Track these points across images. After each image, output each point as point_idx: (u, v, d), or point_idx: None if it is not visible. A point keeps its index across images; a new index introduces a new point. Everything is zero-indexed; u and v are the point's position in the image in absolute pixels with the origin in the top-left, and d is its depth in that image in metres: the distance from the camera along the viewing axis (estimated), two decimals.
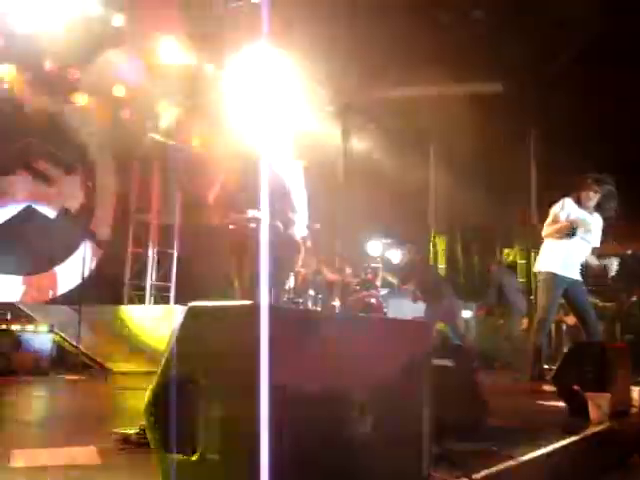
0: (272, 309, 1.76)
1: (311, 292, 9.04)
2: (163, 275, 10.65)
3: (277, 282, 3.81)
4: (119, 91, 9.16)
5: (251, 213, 3.74)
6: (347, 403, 2.00)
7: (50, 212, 9.37)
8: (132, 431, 2.93)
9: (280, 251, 3.76)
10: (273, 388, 1.72)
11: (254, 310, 1.74)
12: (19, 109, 8.41)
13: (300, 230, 3.97)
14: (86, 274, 8.04)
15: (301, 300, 8.62)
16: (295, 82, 7.18)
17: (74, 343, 6.71)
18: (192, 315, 1.90)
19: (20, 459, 2.48)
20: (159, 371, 1.99)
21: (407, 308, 10.06)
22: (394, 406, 2.22)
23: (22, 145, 8.86)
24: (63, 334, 6.77)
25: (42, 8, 7.36)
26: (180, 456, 1.91)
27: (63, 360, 6.59)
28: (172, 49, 8.97)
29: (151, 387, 1.98)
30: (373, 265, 10.01)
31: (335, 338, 1.97)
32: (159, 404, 1.95)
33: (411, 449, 2.30)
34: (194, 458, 1.87)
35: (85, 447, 2.74)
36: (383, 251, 10.43)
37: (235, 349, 1.82)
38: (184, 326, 1.90)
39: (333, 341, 1.95)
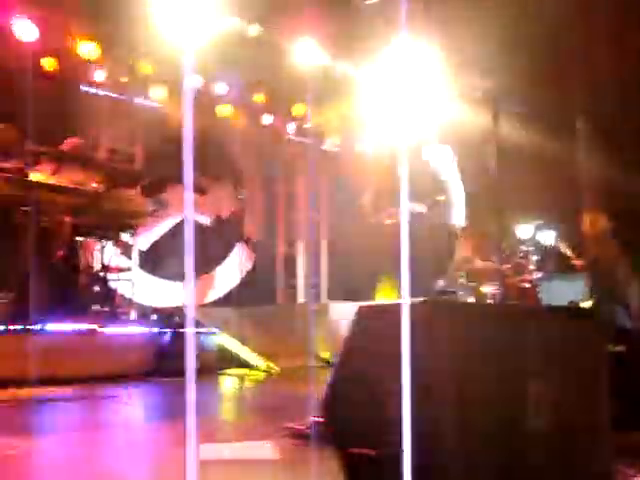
0: (450, 306, 1.76)
1: (462, 280, 8.89)
2: (314, 273, 10.93)
3: (435, 273, 3.79)
4: (259, 98, 9.51)
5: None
6: (522, 400, 1.96)
7: (205, 220, 9.93)
8: (304, 426, 3.04)
9: (436, 242, 3.73)
10: (444, 386, 1.72)
11: (426, 307, 1.75)
12: (172, 127, 8.97)
13: (458, 219, 3.90)
14: (242, 276, 8.45)
15: (454, 289, 8.49)
16: (440, 69, 7.05)
17: (238, 342, 7.05)
18: (362, 315, 1.95)
19: (207, 453, 2.66)
20: (333, 369, 2.05)
21: (562, 291, 9.60)
22: (571, 401, 2.14)
23: (177, 161, 9.46)
24: (227, 334, 7.12)
25: (182, 27, 7.78)
26: (358, 452, 1.95)
27: (228, 359, 6.93)
28: (310, 50, 9.17)
29: (326, 384, 2.05)
30: (525, 249, 9.67)
31: (510, 333, 1.94)
32: (334, 401, 2.02)
33: (593, 444, 2.21)
34: (372, 454, 1.91)
35: (263, 442, 2.87)
36: (534, 234, 10.04)
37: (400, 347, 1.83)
38: (355, 326, 1.95)
39: (507, 336, 1.92)
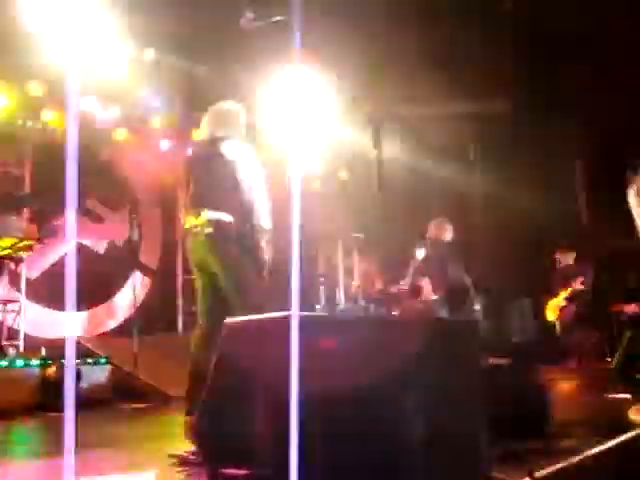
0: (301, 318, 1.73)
1: (362, 302, 9.00)
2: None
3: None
4: (156, 122, 9.34)
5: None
6: (396, 405, 1.96)
7: (100, 247, 9.61)
8: (187, 452, 2.94)
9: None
10: (307, 398, 1.69)
11: (284, 322, 1.72)
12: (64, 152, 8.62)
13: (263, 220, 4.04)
14: (138, 304, 8.19)
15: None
16: (329, 95, 7.18)
17: (132, 372, 6.81)
18: (229, 331, 1.90)
19: None
20: (205, 387, 1.99)
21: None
22: (446, 406, 2.17)
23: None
24: (120, 364, 6.87)
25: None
26: (231, 470, 1.90)
27: (122, 390, 6.68)
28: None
29: (197, 405, 1.99)
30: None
31: (375, 341, 1.94)
32: (206, 420, 1.95)
33: (468, 449, 2.24)
34: (244, 472, 1.86)
35: (146, 472, 2.76)
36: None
37: (271, 362, 1.81)
38: (223, 342, 1.90)
39: (373, 344, 1.93)
